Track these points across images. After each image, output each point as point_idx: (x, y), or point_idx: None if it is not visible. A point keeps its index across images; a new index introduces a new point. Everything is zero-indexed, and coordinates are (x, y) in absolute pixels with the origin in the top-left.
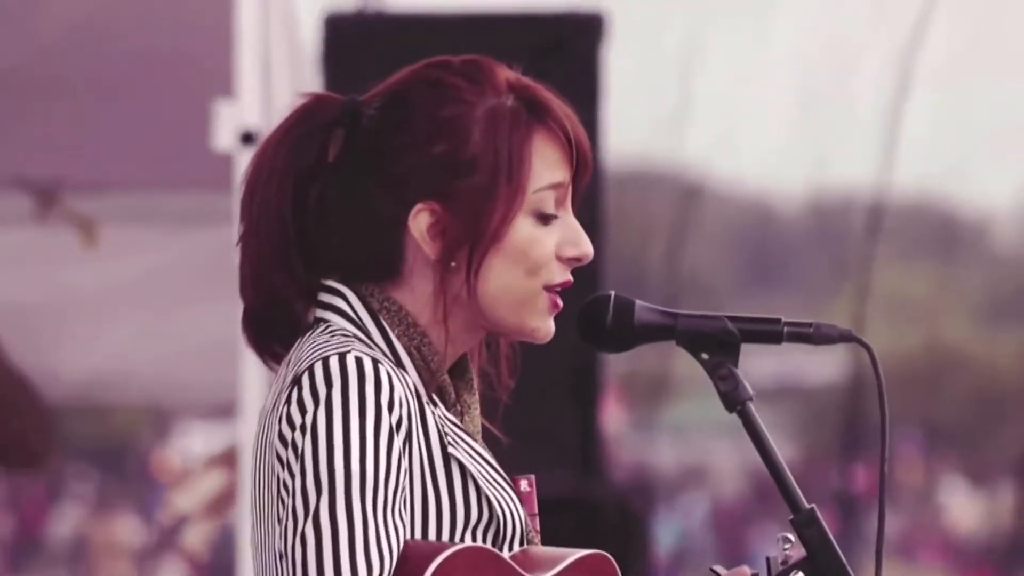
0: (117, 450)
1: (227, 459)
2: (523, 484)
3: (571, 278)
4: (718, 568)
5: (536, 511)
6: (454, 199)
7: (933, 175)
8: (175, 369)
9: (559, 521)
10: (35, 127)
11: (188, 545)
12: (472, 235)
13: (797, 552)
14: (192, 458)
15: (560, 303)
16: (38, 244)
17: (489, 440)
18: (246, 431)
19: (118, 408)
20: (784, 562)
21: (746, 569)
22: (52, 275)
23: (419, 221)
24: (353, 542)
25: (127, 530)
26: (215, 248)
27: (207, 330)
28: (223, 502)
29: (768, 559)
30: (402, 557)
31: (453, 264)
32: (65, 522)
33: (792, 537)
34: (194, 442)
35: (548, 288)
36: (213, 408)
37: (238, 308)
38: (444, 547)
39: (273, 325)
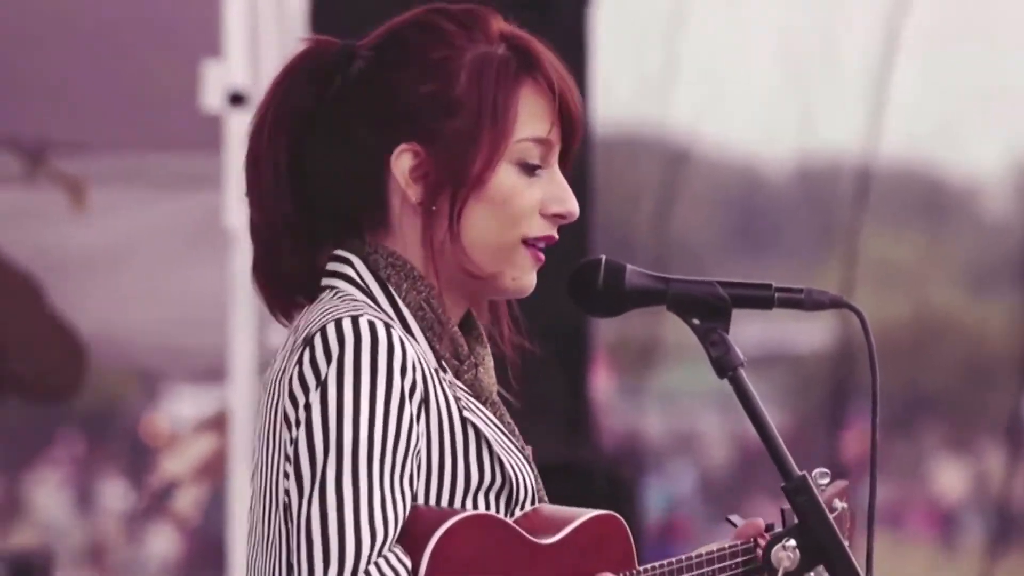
0: (106, 413)
1: (217, 423)
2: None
3: (555, 234)
4: (734, 517)
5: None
6: (437, 141)
7: (921, 141)
8: (164, 333)
9: (549, 487)
10: (23, 88)
11: (178, 509)
12: (454, 178)
13: (832, 488)
14: (182, 422)
15: (542, 257)
16: (26, 205)
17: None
18: (236, 396)
19: (107, 371)
20: (828, 503)
21: (759, 521)
22: (40, 236)
23: (401, 162)
24: (358, 508)
25: (116, 494)
26: (204, 210)
27: (196, 293)
28: (213, 466)
29: (783, 510)
30: (408, 524)
31: (434, 208)
32: (54, 485)
33: (828, 472)
34: (184, 406)
35: (527, 241)
36: (203, 372)
37: (227, 271)
38: (449, 515)
39: (279, 274)
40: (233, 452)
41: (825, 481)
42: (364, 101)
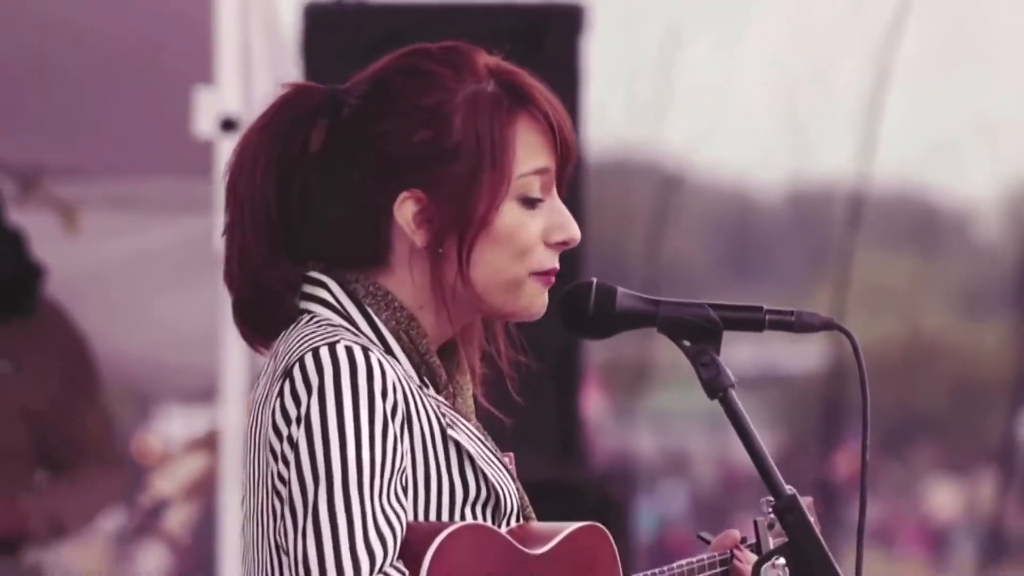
0: None
1: (208, 443)
2: (504, 461)
3: (557, 265)
4: (705, 534)
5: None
6: (438, 187)
7: (913, 166)
8: (156, 354)
9: (540, 506)
10: (17, 113)
11: (169, 528)
12: (460, 223)
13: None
14: (173, 442)
15: (552, 280)
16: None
17: (482, 420)
18: (227, 415)
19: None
20: (771, 525)
21: (735, 532)
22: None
23: (404, 210)
24: (353, 534)
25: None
26: (196, 234)
27: (188, 315)
28: (204, 485)
29: (756, 522)
30: (404, 540)
31: (441, 251)
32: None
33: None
34: (175, 426)
35: (535, 274)
36: (194, 393)
37: (218, 294)
38: (443, 527)
39: (261, 316)
40: (224, 471)
41: None
42: (359, 151)
